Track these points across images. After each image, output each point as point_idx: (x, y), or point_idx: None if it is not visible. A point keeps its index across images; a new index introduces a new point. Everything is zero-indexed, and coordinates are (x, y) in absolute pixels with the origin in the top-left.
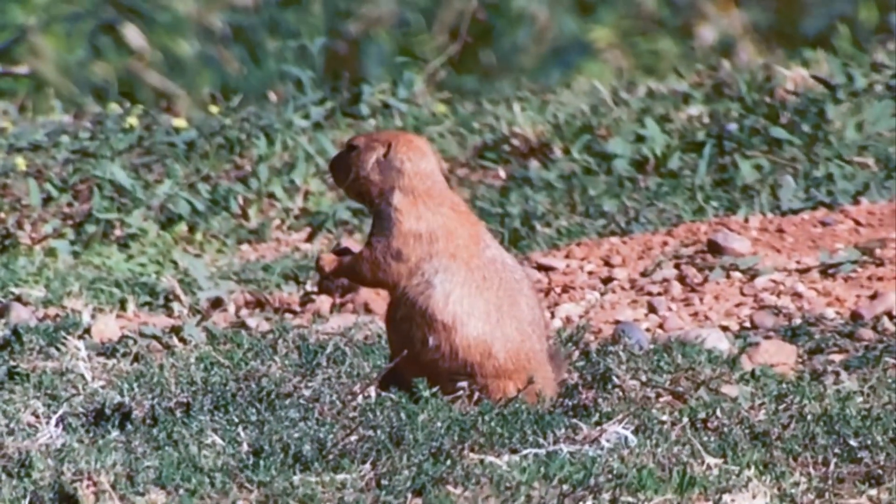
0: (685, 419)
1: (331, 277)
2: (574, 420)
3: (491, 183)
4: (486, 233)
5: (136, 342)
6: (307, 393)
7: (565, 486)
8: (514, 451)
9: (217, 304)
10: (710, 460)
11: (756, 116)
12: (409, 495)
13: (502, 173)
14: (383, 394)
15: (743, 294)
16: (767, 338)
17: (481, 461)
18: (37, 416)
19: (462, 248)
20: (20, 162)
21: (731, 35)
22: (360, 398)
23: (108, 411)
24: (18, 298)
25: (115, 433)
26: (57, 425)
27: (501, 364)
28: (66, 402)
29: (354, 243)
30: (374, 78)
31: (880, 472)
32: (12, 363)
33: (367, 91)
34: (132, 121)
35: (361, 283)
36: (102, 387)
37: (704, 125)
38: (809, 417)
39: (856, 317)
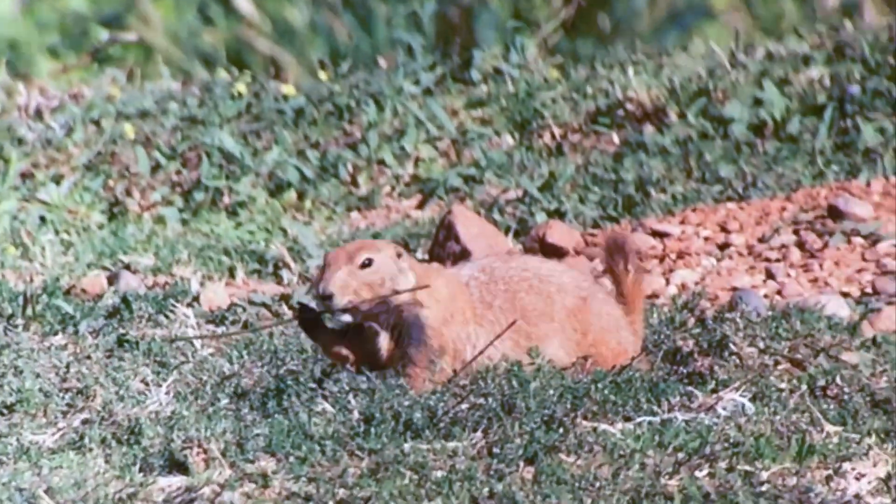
0: (804, 387)
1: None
2: (689, 388)
3: (604, 148)
4: (435, 267)
5: (245, 310)
6: None
7: (680, 455)
8: (627, 419)
9: None
10: (829, 428)
11: (879, 78)
12: (521, 463)
13: (616, 139)
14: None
15: (864, 259)
16: (890, 304)
17: (594, 429)
18: (146, 384)
19: (450, 311)
20: (129, 129)
21: None
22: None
23: (217, 378)
24: (127, 266)
25: (224, 401)
26: (167, 392)
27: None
28: (175, 369)
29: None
30: (485, 43)
31: None
32: (122, 331)
33: (479, 56)
34: (241, 88)
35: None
36: (212, 354)
37: (825, 88)
38: None
39: None
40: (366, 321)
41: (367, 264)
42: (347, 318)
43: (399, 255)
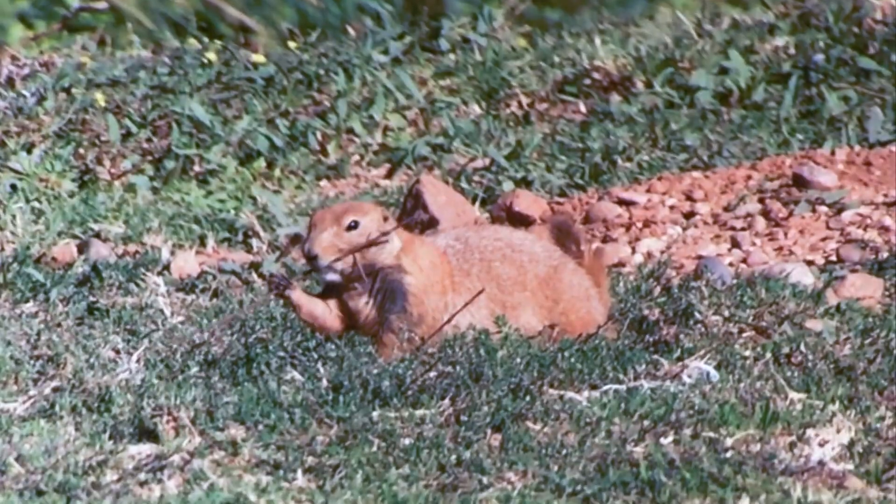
0: (768, 354)
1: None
2: (655, 356)
3: (571, 117)
4: (417, 237)
5: (215, 278)
6: None
7: (646, 422)
8: (594, 387)
9: (296, 240)
10: (793, 395)
11: (843, 47)
12: (489, 431)
13: (583, 107)
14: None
15: (829, 228)
16: (853, 271)
17: (561, 397)
18: (117, 352)
19: (431, 280)
20: (99, 97)
21: None
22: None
23: (187, 347)
24: (98, 235)
25: (194, 369)
26: (137, 360)
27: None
28: (145, 337)
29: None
30: (453, 12)
31: None
32: (92, 299)
33: (447, 25)
34: (211, 56)
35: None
36: (182, 322)
37: (790, 56)
38: None
39: None
40: (350, 282)
41: (353, 226)
42: (334, 277)
43: (385, 218)
